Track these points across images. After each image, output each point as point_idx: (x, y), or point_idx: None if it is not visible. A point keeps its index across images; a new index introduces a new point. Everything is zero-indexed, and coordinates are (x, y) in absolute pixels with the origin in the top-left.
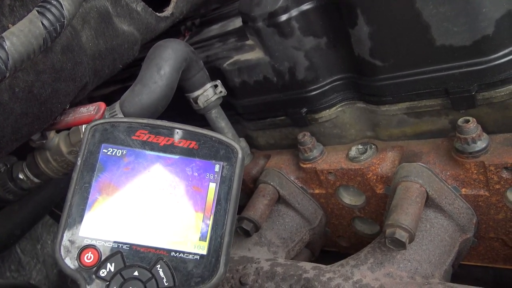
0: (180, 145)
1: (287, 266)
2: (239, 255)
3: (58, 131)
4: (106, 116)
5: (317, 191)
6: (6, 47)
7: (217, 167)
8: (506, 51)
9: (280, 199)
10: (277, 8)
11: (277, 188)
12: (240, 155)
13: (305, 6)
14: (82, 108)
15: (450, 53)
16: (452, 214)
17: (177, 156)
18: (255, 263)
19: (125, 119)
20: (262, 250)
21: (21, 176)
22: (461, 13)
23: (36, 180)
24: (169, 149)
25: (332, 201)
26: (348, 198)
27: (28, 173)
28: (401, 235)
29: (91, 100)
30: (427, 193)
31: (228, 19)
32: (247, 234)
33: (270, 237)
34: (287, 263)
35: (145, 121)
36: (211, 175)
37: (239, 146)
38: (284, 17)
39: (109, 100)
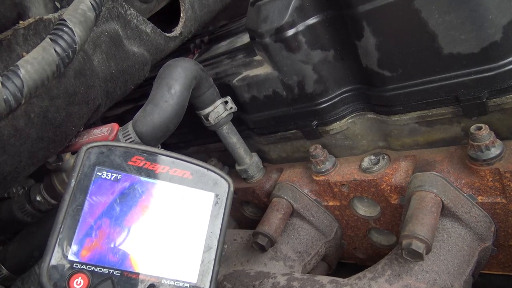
0: (175, 174)
1: (303, 280)
2: (255, 270)
3: (73, 153)
4: (120, 137)
5: (331, 203)
6: (21, 75)
7: (209, 197)
8: None
9: (294, 213)
10: (284, 23)
11: (291, 201)
12: (231, 188)
13: (311, 20)
14: (96, 130)
15: (458, 61)
16: (469, 222)
17: (171, 184)
18: (272, 278)
19: (122, 144)
20: (278, 265)
21: (38, 198)
22: (467, 21)
23: (53, 201)
24: (164, 177)
25: (347, 213)
26: (363, 210)
27: (45, 195)
28: (418, 246)
29: (104, 120)
30: (442, 202)
31: (236, 35)
32: (262, 249)
33: (285, 251)
34: (304, 278)
35: (142, 147)
36: (203, 205)
37: (231, 180)
38: (290, 32)
39: (122, 120)
